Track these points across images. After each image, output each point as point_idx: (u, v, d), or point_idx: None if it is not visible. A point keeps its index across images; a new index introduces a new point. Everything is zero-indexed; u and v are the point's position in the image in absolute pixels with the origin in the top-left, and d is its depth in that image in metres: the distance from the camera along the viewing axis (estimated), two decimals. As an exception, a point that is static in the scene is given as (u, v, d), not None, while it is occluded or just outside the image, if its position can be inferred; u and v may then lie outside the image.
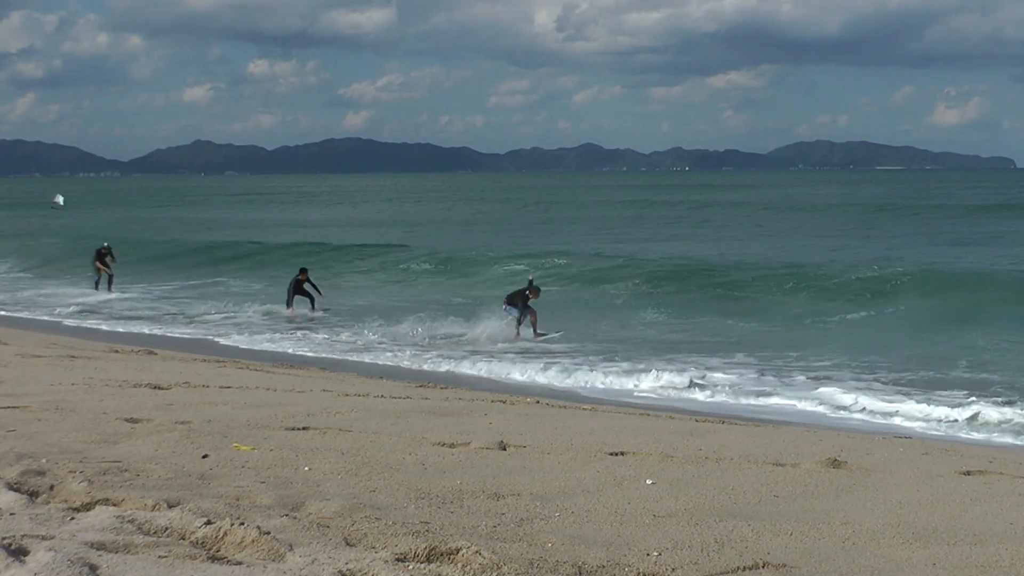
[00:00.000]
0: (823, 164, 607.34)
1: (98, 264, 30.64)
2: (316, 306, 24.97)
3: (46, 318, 25.06)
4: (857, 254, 39.63)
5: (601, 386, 16.03)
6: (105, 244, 31.37)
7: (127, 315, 25.74)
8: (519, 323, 20.66)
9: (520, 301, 20.73)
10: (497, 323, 20.92)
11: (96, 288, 30.31)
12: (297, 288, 25.17)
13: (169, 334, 22.31)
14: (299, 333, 22.05)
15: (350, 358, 18.74)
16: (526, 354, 18.99)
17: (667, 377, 16.26)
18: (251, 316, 25.07)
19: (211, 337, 21.71)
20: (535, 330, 20.66)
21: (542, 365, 17.52)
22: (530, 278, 22.73)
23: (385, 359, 18.69)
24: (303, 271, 25.59)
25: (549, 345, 20.13)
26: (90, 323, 24.23)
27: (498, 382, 16.36)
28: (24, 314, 25.95)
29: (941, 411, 13.59)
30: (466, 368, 17.57)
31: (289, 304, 24.98)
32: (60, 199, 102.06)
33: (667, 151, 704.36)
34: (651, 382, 16.00)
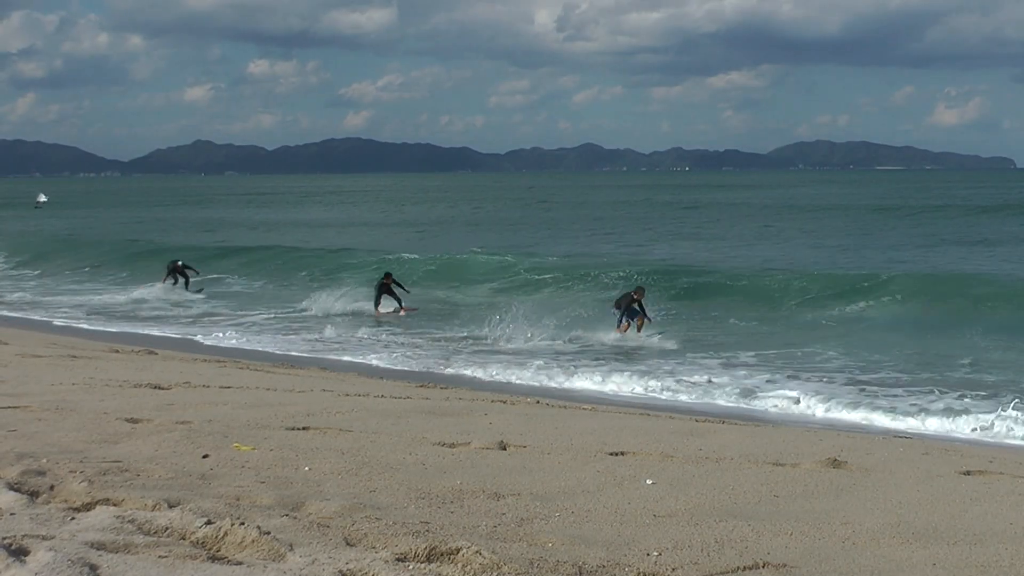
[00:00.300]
0: (823, 164, 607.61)
1: (164, 278, 30.73)
2: (404, 305, 25.38)
3: (44, 318, 25.06)
4: (860, 254, 39.65)
5: (598, 388, 16.00)
6: (179, 262, 31.33)
7: (128, 315, 25.78)
8: (622, 324, 20.93)
9: (625, 303, 21.14)
10: (516, 322, 20.98)
11: (173, 285, 30.49)
12: (384, 290, 25.67)
13: (152, 333, 22.30)
14: (298, 334, 22.03)
15: (349, 358, 18.73)
16: (527, 355, 18.99)
17: (666, 379, 16.26)
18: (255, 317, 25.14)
19: (192, 336, 21.69)
20: (639, 329, 21.02)
21: (542, 365, 17.54)
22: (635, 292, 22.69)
23: (385, 359, 18.69)
24: (388, 276, 26.15)
25: (551, 345, 20.12)
26: (79, 323, 24.20)
27: (498, 382, 16.35)
28: (19, 314, 25.96)
29: (941, 411, 13.60)
30: (467, 368, 17.56)
31: (376, 305, 25.38)
32: (43, 197, 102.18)
33: (667, 151, 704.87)
34: (651, 383, 16.00)
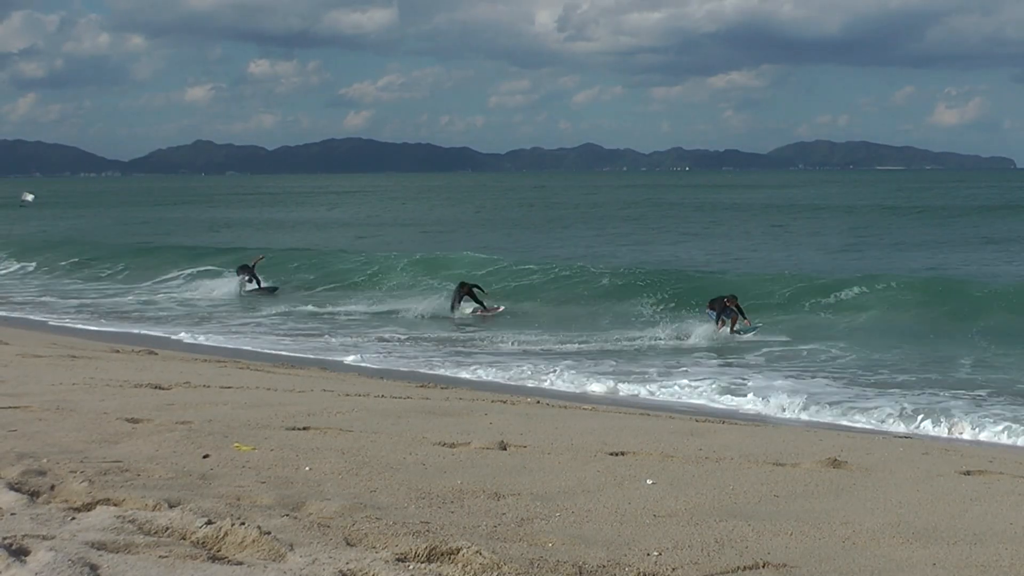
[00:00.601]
0: (823, 164, 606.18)
1: (241, 283, 30.87)
2: (488, 306, 25.77)
3: (43, 317, 25.05)
4: (864, 254, 39.63)
5: (597, 388, 15.98)
6: (252, 263, 31.42)
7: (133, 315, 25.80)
8: (719, 324, 21.79)
9: (719, 306, 22.13)
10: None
11: (248, 282, 30.67)
12: (462, 294, 26.00)
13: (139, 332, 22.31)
14: (298, 336, 22.05)
15: (349, 359, 18.72)
16: (527, 355, 19.00)
17: (667, 379, 16.26)
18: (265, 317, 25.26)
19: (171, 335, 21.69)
20: (731, 329, 21.82)
21: (542, 366, 17.54)
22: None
23: (384, 359, 18.69)
24: (463, 285, 26.44)
25: (551, 346, 20.14)
26: (81, 323, 24.19)
27: (498, 382, 16.34)
28: (18, 314, 25.97)
29: (941, 411, 13.59)
30: (467, 368, 17.55)
31: (453, 308, 25.68)
32: (29, 196, 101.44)
33: (667, 151, 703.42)
34: (651, 383, 16.01)
